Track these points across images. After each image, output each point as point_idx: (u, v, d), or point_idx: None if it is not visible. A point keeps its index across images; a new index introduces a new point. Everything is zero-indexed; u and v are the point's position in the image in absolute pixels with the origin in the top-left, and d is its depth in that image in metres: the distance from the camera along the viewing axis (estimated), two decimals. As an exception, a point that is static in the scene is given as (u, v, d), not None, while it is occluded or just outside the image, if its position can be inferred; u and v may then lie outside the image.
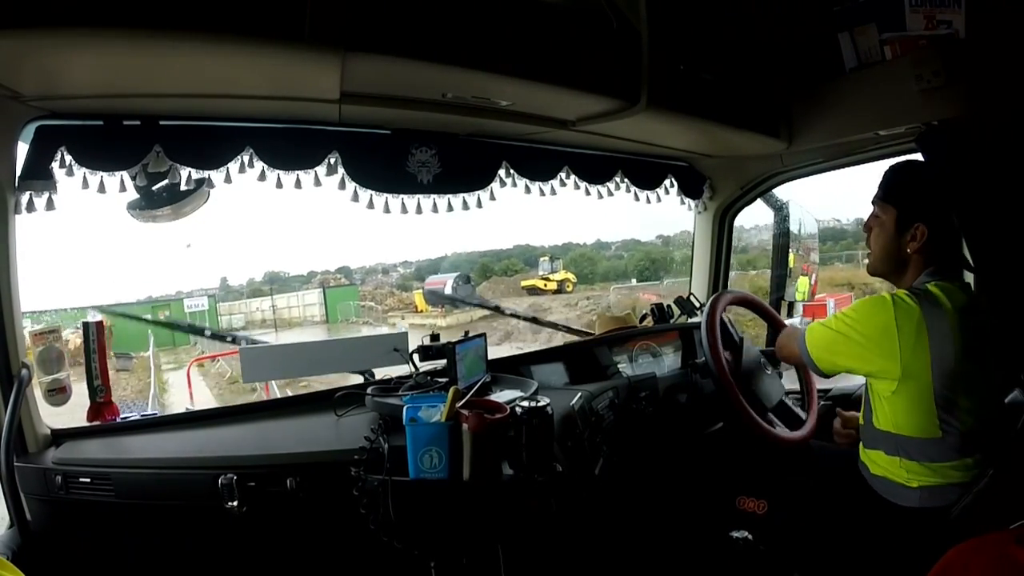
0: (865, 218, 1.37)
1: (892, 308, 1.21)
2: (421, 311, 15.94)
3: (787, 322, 1.91)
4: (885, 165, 1.82)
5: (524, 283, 18.04)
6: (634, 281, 17.56)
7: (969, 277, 1.54)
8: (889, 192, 1.31)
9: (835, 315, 1.30)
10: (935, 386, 1.19)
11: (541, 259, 18.44)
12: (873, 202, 1.34)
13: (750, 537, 1.48)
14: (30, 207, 1.25)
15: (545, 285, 17.22)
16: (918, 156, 1.58)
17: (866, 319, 1.24)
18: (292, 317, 17.60)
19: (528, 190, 1.85)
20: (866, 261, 1.38)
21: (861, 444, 1.35)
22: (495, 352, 1.65)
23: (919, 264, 1.28)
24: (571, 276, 17.81)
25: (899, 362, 1.20)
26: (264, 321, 17.11)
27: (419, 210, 1.67)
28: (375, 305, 17.55)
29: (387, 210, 1.61)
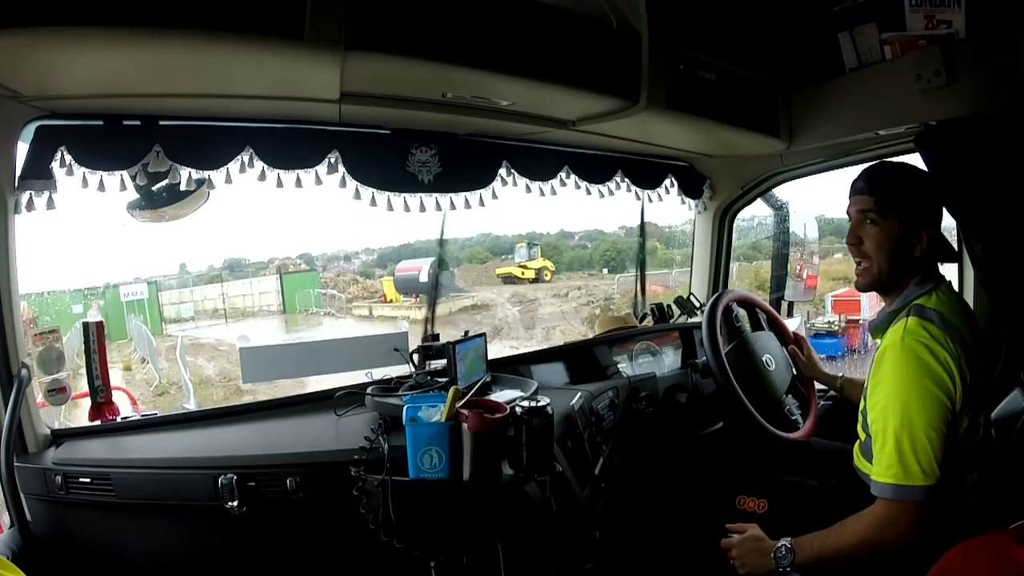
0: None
1: (929, 355, 1.11)
2: (391, 301, 14.64)
3: (786, 323, 1.90)
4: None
5: (499, 271, 16.94)
6: (606, 271, 16.79)
7: (950, 275, 1.54)
8: (891, 198, 1.23)
9: (898, 427, 1.11)
10: (971, 408, 1.14)
11: (518, 245, 17.20)
12: (867, 210, 1.24)
13: None
14: (30, 206, 1.25)
15: (523, 273, 16.26)
16: (902, 158, 1.57)
17: (923, 384, 1.11)
18: (246, 307, 16.09)
19: (528, 189, 1.85)
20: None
21: (857, 454, 1.34)
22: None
23: (916, 271, 1.24)
24: (549, 264, 16.76)
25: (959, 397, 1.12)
26: (216, 311, 15.64)
27: (422, 208, 1.67)
28: (338, 293, 16.21)
29: (390, 208, 1.61)
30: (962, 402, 1.12)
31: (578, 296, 14.38)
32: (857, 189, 1.27)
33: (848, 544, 1.16)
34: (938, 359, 1.11)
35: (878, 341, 1.25)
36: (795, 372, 1.81)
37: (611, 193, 2.02)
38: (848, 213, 1.28)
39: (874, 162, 1.33)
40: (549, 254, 17.98)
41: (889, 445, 1.12)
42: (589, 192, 1.97)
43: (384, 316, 13.88)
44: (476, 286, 16.04)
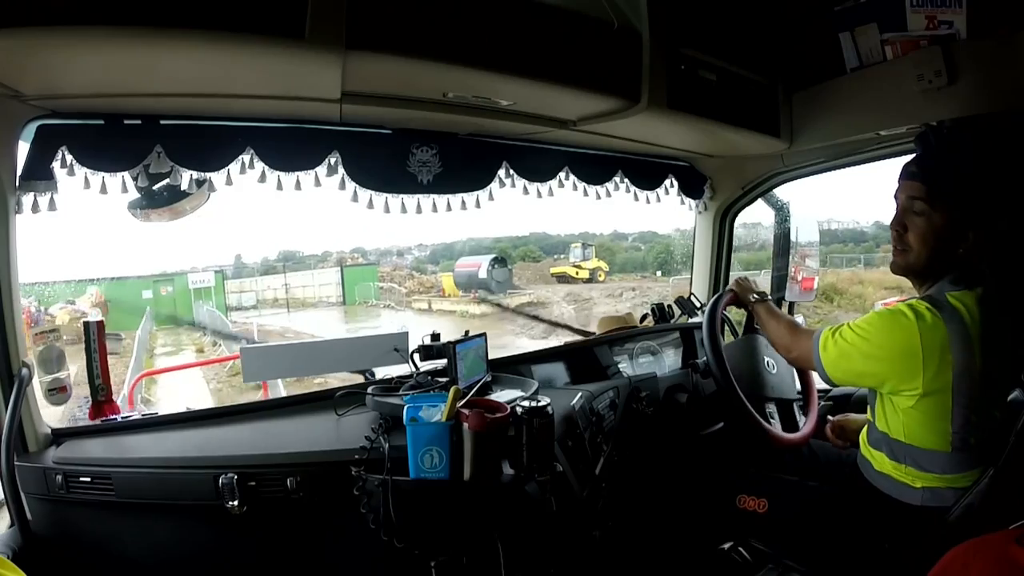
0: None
1: (916, 326, 1.14)
2: (450, 295, 15.18)
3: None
4: (885, 165, 1.81)
5: (554, 270, 17.23)
6: (659, 274, 16.92)
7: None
8: (942, 191, 1.20)
9: (851, 326, 1.22)
10: (954, 404, 1.16)
11: (572, 245, 17.57)
12: (915, 197, 1.21)
13: (741, 549, 1.48)
14: (35, 208, 1.25)
15: (577, 273, 16.49)
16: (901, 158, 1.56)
17: (888, 337, 1.17)
18: (306, 297, 16.75)
19: (527, 191, 1.84)
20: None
21: (863, 441, 1.35)
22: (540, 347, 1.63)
23: (954, 268, 1.22)
24: (603, 264, 17.03)
25: (921, 381, 1.15)
26: (276, 300, 16.31)
27: (419, 210, 1.67)
28: (397, 287, 16.78)
29: (387, 210, 1.61)
30: (925, 386, 1.15)
31: (632, 297, 14.39)
32: (909, 174, 1.24)
33: (776, 333, 1.46)
34: (909, 328, 1.15)
35: None
36: (796, 373, 1.81)
37: (608, 195, 2.02)
38: (896, 197, 1.25)
39: (929, 147, 1.31)
40: (602, 255, 18.26)
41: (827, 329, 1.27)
42: (586, 193, 1.96)
43: (443, 310, 14.21)
44: (530, 284, 16.11)
